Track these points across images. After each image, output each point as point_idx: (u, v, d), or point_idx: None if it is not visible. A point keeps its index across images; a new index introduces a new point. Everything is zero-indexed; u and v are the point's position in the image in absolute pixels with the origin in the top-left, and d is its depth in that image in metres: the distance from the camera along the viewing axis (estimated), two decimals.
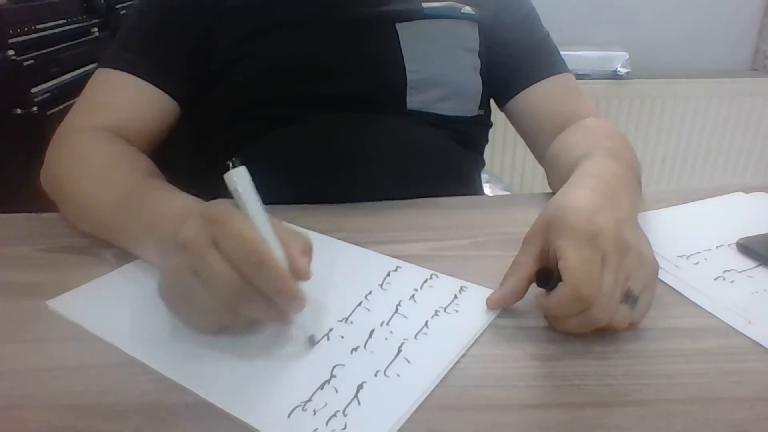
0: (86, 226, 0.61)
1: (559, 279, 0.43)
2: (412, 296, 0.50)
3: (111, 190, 0.59)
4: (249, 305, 0.41)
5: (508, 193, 1.76)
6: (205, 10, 0.74)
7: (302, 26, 0.74)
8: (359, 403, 0.38)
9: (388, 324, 0.47)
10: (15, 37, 1.20)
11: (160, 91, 0.71)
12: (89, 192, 0.60)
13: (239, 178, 0.44)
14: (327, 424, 0.37)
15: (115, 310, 0.49)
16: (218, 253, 0.40)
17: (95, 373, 0.42)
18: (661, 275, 0.52)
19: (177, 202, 0.51)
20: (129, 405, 0.39)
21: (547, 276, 0.45)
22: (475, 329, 0.46)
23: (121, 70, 0.70)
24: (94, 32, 1.47)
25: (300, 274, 0.43)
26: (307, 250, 0.45)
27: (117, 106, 0.70)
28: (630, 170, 0.58)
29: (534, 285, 0.47)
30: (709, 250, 0.58)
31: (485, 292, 0.49)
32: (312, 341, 0.44)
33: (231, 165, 0.44)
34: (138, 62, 0.71)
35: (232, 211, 0.42)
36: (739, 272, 0.54)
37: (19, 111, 1.19)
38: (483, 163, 0.89)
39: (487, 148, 0.88)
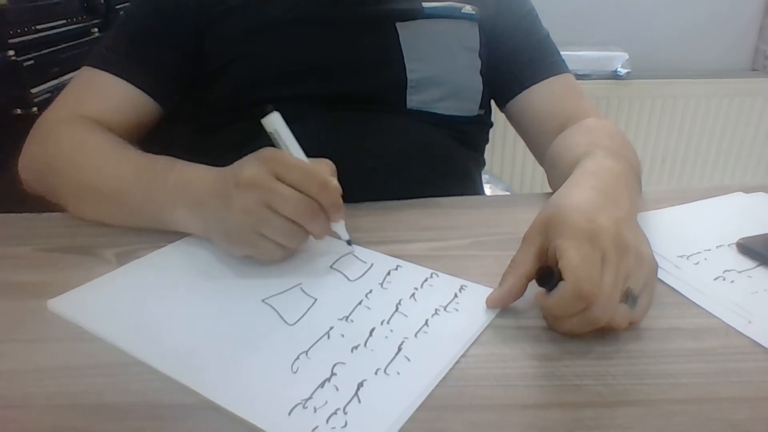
0: (94, 206, 0.63)
1: (560, 278, 0.43)
2: (413, 295, 0.50)
3: (127, 163, 0.62)
4: (316, 221, 0.51)
5: (508, 193, 1.76)
6: (201, 13, 0.74)
7: (302, 25, 0.74)
8: (359, 401, 0.39)
9: (388, 322, 0.47)
10: (15, 37, 1.20)
11: (141, 91, 0.72)
12: (100, 169, 0.62)
13: (276, 121, 0.53)
14: (327, 422, 0.37)
15: (115, 310, 0.48)
16: (282, 183, 0.49)
17: (95, 373, 0.42)
18: (661, 275, 0.52)
19: (204, 168, 0.57)
20: (129, 405, 0.39)
21: (548, 275, 0.45)
22: (475, 328, 0.46)
23: (103, 70, 0.72)
24: (94, 32, 1.47)
25: (338, 190, 0.53)
26: (333, 171, 0.54)
27: (97, 101, 0.71)
28: (630, 169, 0.58)
29: (533, 284, 0.47)
30: (709, 250, 0.58)
31: (485, 291, 0.49)
32: (350, 243, 0.56)
33: (267, 111, 0.52)
34: (120, 63, 0.72)
35: (279, 150, 0.52)
36: (739, 272, 0.54)
37: (19, 111, 1.19)
38: (483, 163, 0.88)
39: (487, 148, 0.88)
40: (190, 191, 0.56)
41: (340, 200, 0.52)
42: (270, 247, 0.51)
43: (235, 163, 0.53)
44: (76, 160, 0.64)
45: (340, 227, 0.55)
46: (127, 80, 0.71)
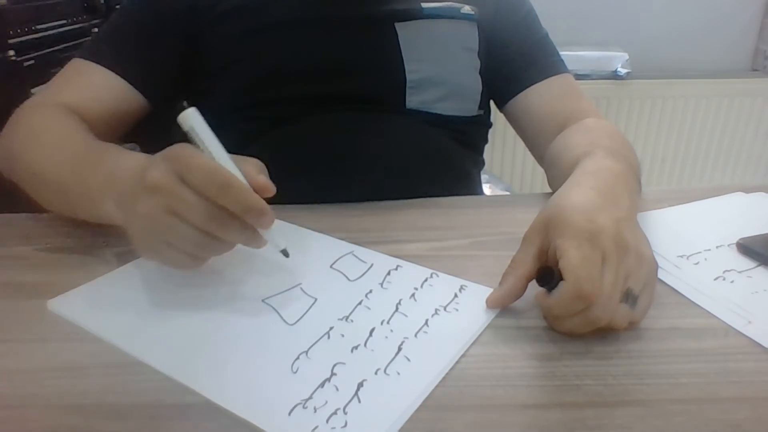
0: (44, 196, 0.62)
1: (560, 278, 0.43)
2: (413, 295, 0.50)
3: (67, 152, 0.59)
4: (227, 229, 0.45)
5: (508, 193, 1.76)
6: (198, 14, 0.74)
7: (301, 26, 0.74)
8: (359, 402, 0.39)
9: (388, 322, 0.47)
10: (15, 37, 1.20)
11: (127, 83, 0.72)
12: (47, 158, 0.61)
13: (192, 117, 0.47)
14: (327, 422, 0.37)
15: (115, 310, 0.48)
16: (187, 187, 0.43)
17: (95, 373, 0.42)
18: (661, 275, 0.52)
19: (133, 157, 0.53)
20: (129, 405, 0.39)
21: (548, 275, 0.45)
22: (475, 328, 0.46)
23: (91, 61, 0.71)
24: (94, 32, 1.47)
25: (263, 190, 0.47)
26: (262, 170, 0.49)
27: (77, 89, 0.70)
28: (630, 169, 0.58)
29: (533, 284, 0.47)
30: (709, 250, 0.58)
31: (485, 291, 0.49)
32: (286, 253, 0.50)
33: (182, 107, 0.47)
34: (110, 55, 0.72)
35: (190, 148, 0.46)
36: (739, 272, 0.54)
37: None
38: (483, 163, 0.88)
39: (487, 148, 0.88)
40: (114, 183, 0.51)
41: (256, 203, 0.44)
42: (176, 256, 0.46)
43: (149, 158, 0.47)
44: (31, 146, 0.63)
45: (269, 234, 0.48)
46: (112, 70, 0.71)
